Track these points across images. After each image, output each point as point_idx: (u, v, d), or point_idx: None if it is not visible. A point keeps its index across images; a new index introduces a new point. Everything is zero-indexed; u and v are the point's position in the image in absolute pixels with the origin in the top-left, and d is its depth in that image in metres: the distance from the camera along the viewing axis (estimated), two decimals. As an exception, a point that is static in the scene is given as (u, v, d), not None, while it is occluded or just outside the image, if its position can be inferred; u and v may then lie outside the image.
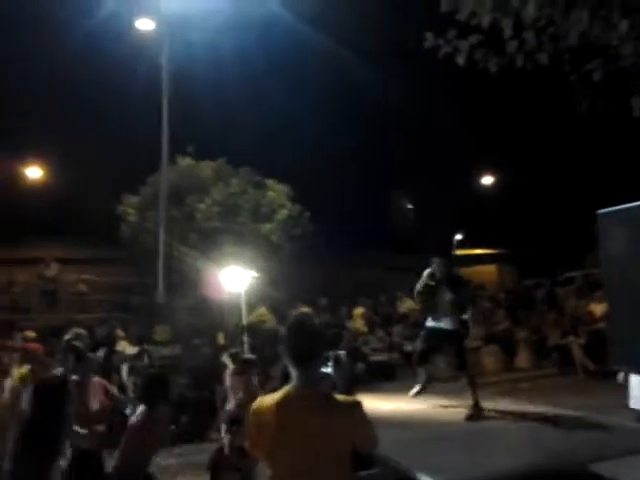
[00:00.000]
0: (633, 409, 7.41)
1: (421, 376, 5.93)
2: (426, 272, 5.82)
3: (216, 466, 5.03)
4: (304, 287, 15.43)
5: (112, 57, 16.04)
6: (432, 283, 5.70)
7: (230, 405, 6.78)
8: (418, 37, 3.96)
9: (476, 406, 5.23)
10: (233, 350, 8.01)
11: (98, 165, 18.38)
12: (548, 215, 25.09)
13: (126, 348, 10.33)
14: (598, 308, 12.40)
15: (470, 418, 5.09)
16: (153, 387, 4.51)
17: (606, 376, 8.22)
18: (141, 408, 4.42)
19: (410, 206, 29.24)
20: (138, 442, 4.28)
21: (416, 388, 5.88)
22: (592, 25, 3.54)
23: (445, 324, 5.62)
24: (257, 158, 16.21)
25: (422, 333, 5.94)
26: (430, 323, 5.78)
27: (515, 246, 26.18)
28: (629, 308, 3.08)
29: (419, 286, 5.81)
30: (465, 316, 5.69)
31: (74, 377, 4.91)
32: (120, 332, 11.34)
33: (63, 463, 3.54)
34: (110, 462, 4.59)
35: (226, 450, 4.97)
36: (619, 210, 3.06)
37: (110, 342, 10.30)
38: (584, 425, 4.77)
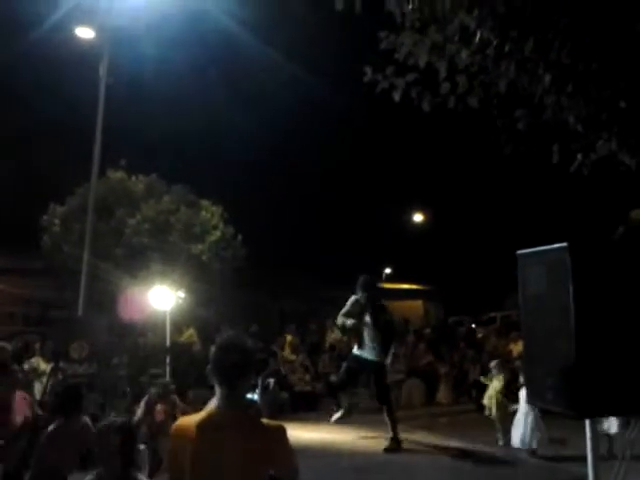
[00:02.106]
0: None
1: (344, 403, 5.91)
2: (351, 299, 5.88)
3: None
4: (232, 311, 15.22)
5: (50, 63, 15.58)
6: (356, 310, 5.77)
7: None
8: (360, 70, 4.08)
9: (394, 439, 5.26)
10: (154, 371, 7.77)
11: (23, 172, 17.63)
12: (473, 255, 25.95)
13: (40, 364, 9.83)
14: (515, 348, 12.85)
15: (388, 450, 5.13)
16: (68, 399, 4.60)
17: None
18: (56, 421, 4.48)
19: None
20: (52, 453, 4.26)
21: (338, 414, 5.85)
22: (519, 76, 3.78)
23: (369, 354, 5.68)
24: (191, 176, 16.03)
25: (348, 359, 5.98)
26: (356, 351, 5.82)
27: (441, 283, 26.87)
28: (544, 347, 3.19)
29: (343, 311, 5.85)
30: (392, 350, 5.77)
31: None
32: (35, 347, 10.80)
33: None
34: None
35: None
36: (538, 251, 3.18)
37: (20, 357, 9.77)
38: (495, 461, 4.89)
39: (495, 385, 8.93)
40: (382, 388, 5.70)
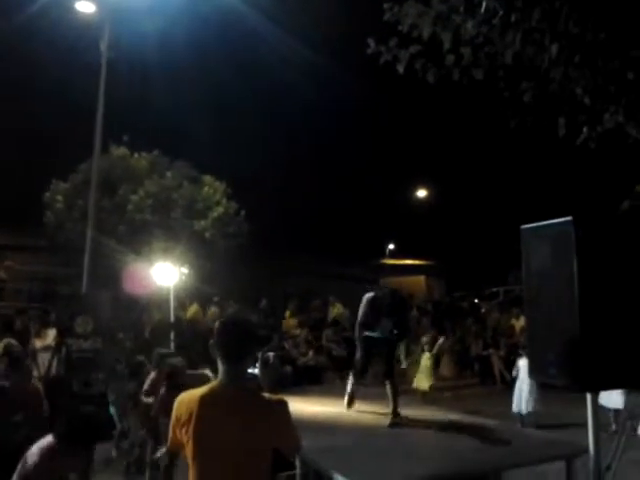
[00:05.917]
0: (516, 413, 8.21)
1: (351, 385, 5.91)
2: (366, 298, 5.81)
3: None
4: (235, 286, 15.26)
5: (51, 38, 15.38)
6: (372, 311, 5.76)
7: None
8: (363, 42, 4.02)
9: (395, 413, 5.29)
10: (163, 351, 7.75)
11: (25, 148, 17.55)
12: (476, 230, 25.90)
13: (45, 339, 9.89)
14: (518, 323, 12.90)
15: (392, 425, 5.16)
16: (79, 430, 3.61)
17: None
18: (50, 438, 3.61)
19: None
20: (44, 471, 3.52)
21: (346, 398, 5.87)
22: (525, 47, 3.71)
23: (379, 333, 5.68)
24: (194, 153, 15.96)
25: (361, 344, 5.94)
26: (366, 333, 5.80)
27: (444, 259, 26.88)
28: (547, 322, 3.17)
29: (362, 318, 5.80)
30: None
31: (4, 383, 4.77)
32: (40, 322, 10.85)
33: None
34: None
35: None
36: (542, 226, 3.15)
37: (27, 333, 9.84)
38: (499, 433, 4.90)
39: (425, 362, 9.35)
40: (390, 363, 5.74)
